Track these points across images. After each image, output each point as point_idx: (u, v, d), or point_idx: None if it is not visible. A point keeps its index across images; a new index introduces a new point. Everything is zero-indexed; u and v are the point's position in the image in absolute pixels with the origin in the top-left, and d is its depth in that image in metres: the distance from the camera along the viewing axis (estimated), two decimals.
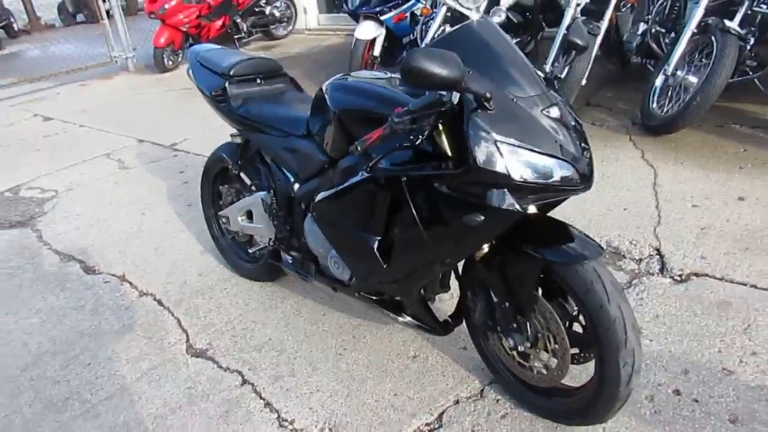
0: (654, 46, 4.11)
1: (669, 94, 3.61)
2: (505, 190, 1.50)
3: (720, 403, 1.82)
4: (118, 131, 5.15)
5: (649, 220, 2.80)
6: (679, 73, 3.54)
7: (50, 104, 6.39)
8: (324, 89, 1.95)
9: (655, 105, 3.65)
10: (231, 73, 2.35)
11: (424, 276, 1.77)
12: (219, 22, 7.17)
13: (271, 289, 2.65)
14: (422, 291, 1.93)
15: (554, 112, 1.54)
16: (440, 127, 1.56)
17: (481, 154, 1.46)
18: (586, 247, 1.58)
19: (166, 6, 6.65)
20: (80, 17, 13.02)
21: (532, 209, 1.65)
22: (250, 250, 2.50)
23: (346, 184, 1.81)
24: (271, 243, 2.36)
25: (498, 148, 1.46)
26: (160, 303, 2.66)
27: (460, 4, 4.31)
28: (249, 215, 2.44)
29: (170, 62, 7.02)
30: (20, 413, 2.12)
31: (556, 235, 1.64)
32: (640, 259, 2.55)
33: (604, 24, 3.77)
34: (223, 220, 2.60)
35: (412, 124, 1.57)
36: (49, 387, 2.23)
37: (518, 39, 4.81)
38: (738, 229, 2.66)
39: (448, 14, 4.51)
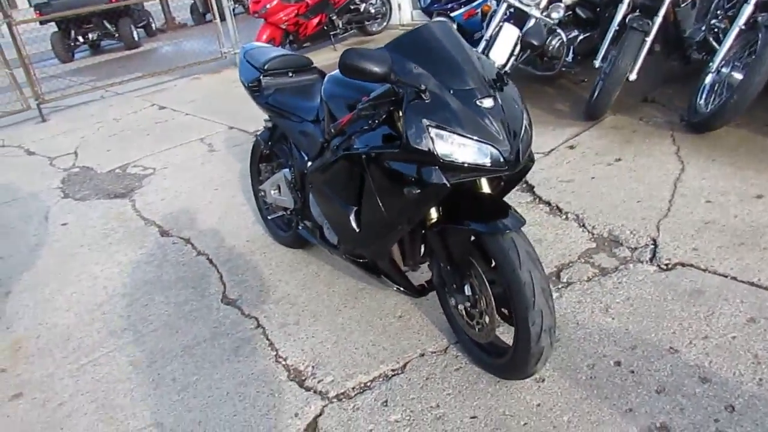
0: (712, 41, 4.03)
1: (716, 91, 3.58)
2: (435, 167, 1.78)
3: (653, 376, 1.97)
4: (215, 119, 5.83)
5: (657, 213, 2.89)
6: (724, 69, 3.50)
7: (167, 95, 7.30)
8: (325, 80, 2.32)
9: (702, 102, 3.63)
10: (266, 67, 2.78)
11: (387, 240, 2.08)
12: (316, 20, 7.74)
13: (300, 255, 3.06)
14: (402, 258, 2.25)
15: (487, 102, 1.79)
16: (393, 113, 1.87)
17: (412, 135, 1.76)
18: (509, 220, 1.82)
19: (268, 6, 7.32)
20: (209, 17, 14.34)
21: (485, 188, 1.93)
22: (269, 217, 2.93)
23: (328, 161, 2.17)
24: (289, 212, 2.78)
25: (427, 131, 1.74)
26: (210, 261, 3.16)
27: (520, 1, 4.49)
28: (279, 189, 2.86)
29: None
30: (90, 336, 2.69)
31: (489, 209, 1.89)
32: (635, 248, 2.67)
33: (658, 20, 3.80)
34: (262, 193, 3.05)
35: (373, 110, 1.91)
36: (115, 319, 2.79)
37: (587, 34, 4.87)
38: (742, 225, 2.68)
39: (510, 10, 4.69)
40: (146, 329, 2.68)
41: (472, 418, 1.94)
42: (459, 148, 1.75)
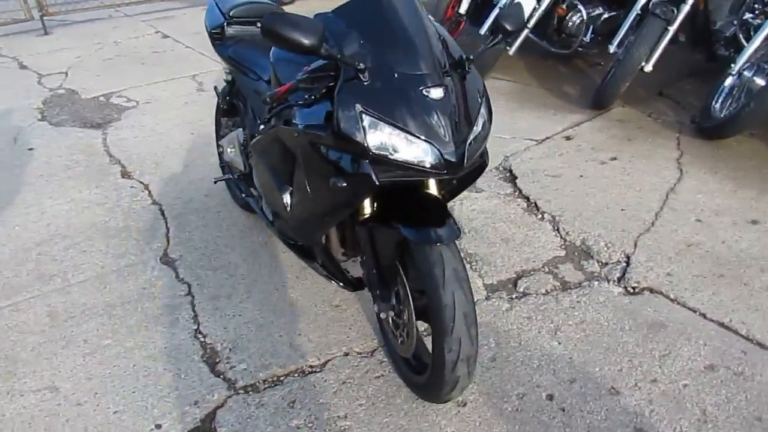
0: (742, 38, 3.65)
1: (734, 95, 3.25)
2: (366, 160, 1.56)
3: (585, 419, 1.78)
4: (213, 56, 5.56)
5: (640, 226, 2.64)
6: (747, 72, 3.17)
7: (173, 23, 7.00)
8: None
9: (717, 105, 3.31)
10: (231, 13, 2.52)
11: (316, 227, 1.87)
12: None
13: (254, 221, 2.87)
14: (341, 246, 2.05)
15: (435, 93, 1.55)
16: (332, 91, 1.63)
17: (343, 121, 1.53)
18: (444, 230, 1.59)
19: None
20: None
21: (432, 187, 1.70)
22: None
23: (265, 131, 1.94)
24: (237, 176, 2.57)
25: (360, 118, 1.51)
26: (162, 213, 2.99)
27: None
28: (234, 148, 2.65)
29: None
30: (18, 277, 2.55)
31: (424, 213, 1.66)
32: (606, 264, 2.44)
33: (685, 8, 3.43)
34: (220, 149, 2.84)
35: (311, 83, 1.66)
36: (48, 263, 2.65)
37: (612, 14, 4.49)
38: (728, 253, 2.43)
39: None
40: (75, 279, 2.53)
41: None
42: (393, 143, 1.52)
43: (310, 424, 1.82)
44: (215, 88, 2.79)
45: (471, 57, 1.72)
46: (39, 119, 4.25)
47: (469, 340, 1.57)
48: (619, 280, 2.34)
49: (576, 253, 2.52)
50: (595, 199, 2.87)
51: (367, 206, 1.74)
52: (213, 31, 2.57)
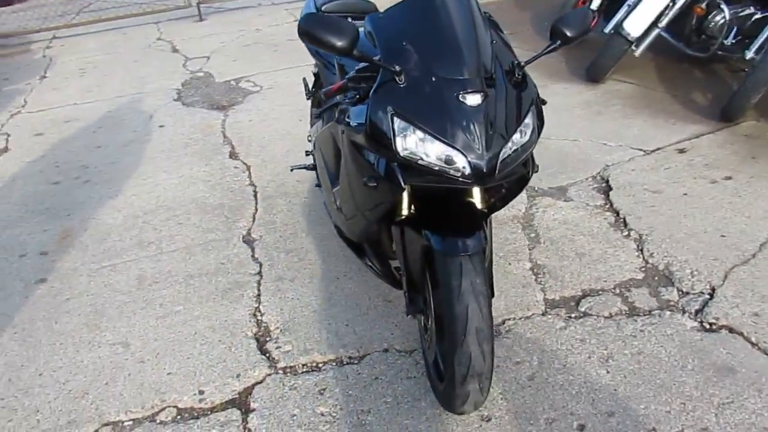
0: None
1: None
2: (395, 163, 1.56)
3: None
4: None
5: (737, 256, 2.36)
6: None
7: None
8: None
9: None
10: (323, 8, 2.60)
11: (359, 225, 1.91)
12: None
13: None
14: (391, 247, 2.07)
15: (472, 99, 1.51)
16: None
17: (375, 122, 1.55)
18: (471, 241, 1.56)
19: None
20: None
21: (475, 195, 1.66)
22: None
23: (323, 127, 2.00)
24: (312, 167, 2.67)
25: (391, 120, 1.52)
26: (255, 194, 3.19)
27: None
28: None
29: None
30: (122, 241, 2.87)
31: (455, 221, 1.63)
32: (686, 293, 2.22)
33: None
34: (310, 138, 2.96)
35: (358, 83, 1.70)
36: (149, 231, 2.95)
37: (764, 14, 3.99)
38: None
39: None
40: (168, 248, 2.79)
41: None
42: (422, 147, 1.51)
43: (334, 413, 1.87)
44: (304, 79, 2.91)
45: (522, 63, 1.65)
46: (174, 99, 4.70)
47: (481, 356, 1.52)
48: (696, 313, 2.12)
49: (655, 278, 2.31)
50: (693, 221, 2.60)
51: (405, 208, 1.73)
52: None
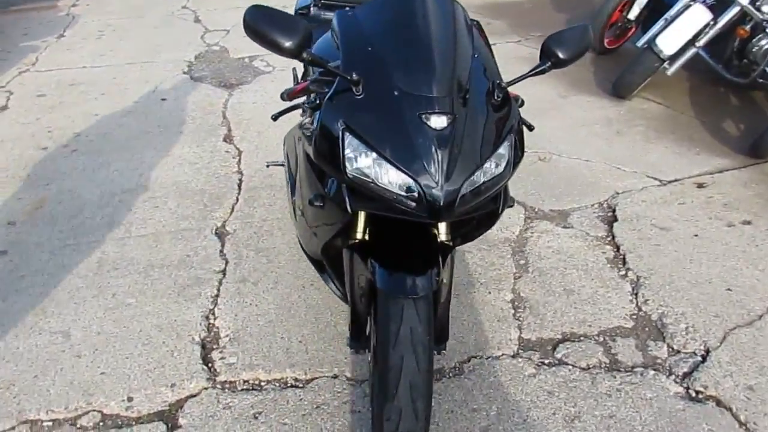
0: None
1: None
2: (342, 184, 1.38)
3: None
4: None
5: (740, 316, 2.12)
6: None
7: None
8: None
9: None
10: None
11: (314, 240, 1.72)
12: None
13: None
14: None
15: (437, 121, 1.31)
16: None
17: (324, 135, 1.37)
18: (420, 280, 1.37)
19: None
20: None
21: (441, 227, 1.47)
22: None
23: (293, 127, 1.83)
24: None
25: (342, 135, 1.33)
26: (240, 184, 3.03)
27: None
28: None
29: None
30: (93, 220, 2.74)
31: (407, 254, 1.44)
32: (677, 351, 2.00)
33: None
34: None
35: (321, 87, 1.51)
36: (123, 211, 2.81)
37: None
38: None
39: None
40: (136, 232, 2.66)
41: None
42: (373, 170, 1.32)
43: None
44: (293, 69, 2.72)
45: (504, 84, 1.44)
46: (184, 72, 4.55)
47: (413, 413, 1.34)
48: (683, 377, 1.90)
49: (645, 329, 2.09)
50: (699, 268, 2.36)
51: (359, 232, 1.54)
52: (299, 10, 2.48)
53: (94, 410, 1.82)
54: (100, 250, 2.53)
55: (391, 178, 1.31)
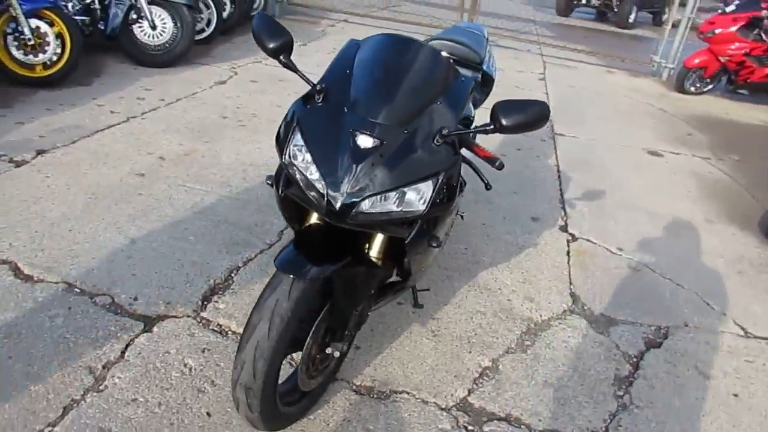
0: None
1: None
2: (282, 172, 1.66)
3: None
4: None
5: None
6: None
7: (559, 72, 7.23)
8: None
9: None
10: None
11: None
12: None
13: None
14: None
15: (363, 141, 1.56)
16: None
17: (284, 123, 1.67)
18: (310, 267, 1.56)
19: (718, 30, 6.26)
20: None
21: (377, 238, 1.69)
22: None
23: None
24: None
25: (293, 129, 1.61)
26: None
27: None
28: None
29: (691, 86, 6.69)
30: (196, 174, 3.34)
31: (318, 244, 1.66)
32: None
33: None
34: None
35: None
36: (235, 175, 3.36)
37: None
38: None
39: None
40: (235, 195, 3.17)
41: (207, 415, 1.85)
42: (302, 164, 1.59)
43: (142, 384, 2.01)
44: None
45: (445, 132, 1.58)
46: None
47: (252, 369, 1.52)
48: None
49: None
50: (710, 426, 2.07)
51: (312, 218, 1.78)
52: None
53: (104, 294, 2.30)
54: (200, 197, 3.09)
55: (310, 173, 1.54)
